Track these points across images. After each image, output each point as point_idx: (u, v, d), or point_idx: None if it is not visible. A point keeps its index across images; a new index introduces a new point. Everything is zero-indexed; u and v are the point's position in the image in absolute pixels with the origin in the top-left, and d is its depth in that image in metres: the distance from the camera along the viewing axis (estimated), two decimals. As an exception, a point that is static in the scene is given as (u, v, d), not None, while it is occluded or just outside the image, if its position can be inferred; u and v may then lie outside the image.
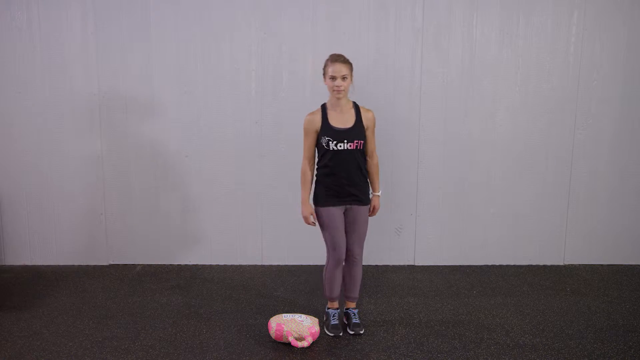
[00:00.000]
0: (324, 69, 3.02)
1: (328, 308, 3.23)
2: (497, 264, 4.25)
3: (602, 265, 4.25)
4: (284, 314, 3.07)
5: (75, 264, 4.24)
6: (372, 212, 3.20)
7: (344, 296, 3.25)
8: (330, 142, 2.98)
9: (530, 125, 4.08)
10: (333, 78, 2.94)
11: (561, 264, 4.26)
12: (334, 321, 3.15)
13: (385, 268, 4.19)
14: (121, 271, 4.11)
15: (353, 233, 3.10)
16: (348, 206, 3.08)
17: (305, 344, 2.94)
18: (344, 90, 2.96)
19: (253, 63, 4.00)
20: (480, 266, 4.22)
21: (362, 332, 3.12)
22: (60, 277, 4.00)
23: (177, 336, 3.10)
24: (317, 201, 3.09)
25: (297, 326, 2.95)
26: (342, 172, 3.00)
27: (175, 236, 4.21)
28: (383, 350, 2.94)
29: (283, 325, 2.97)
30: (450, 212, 4.18)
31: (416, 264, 4.24)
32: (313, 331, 2.96)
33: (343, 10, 3.94)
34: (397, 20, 3.96)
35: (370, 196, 3.17)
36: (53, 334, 3.11)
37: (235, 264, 4.24)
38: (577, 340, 3.05)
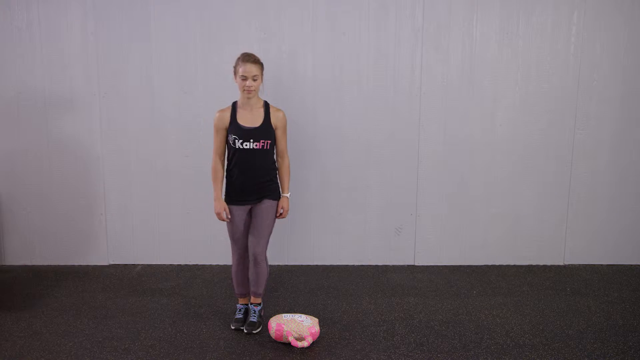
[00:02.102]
0: (235, 67, 3.03)
1: (238, 303, 3.34)
2: (497, 264, 4.25)
3: (602, 265, 4.25)
4: (284, 314, 3.07)
5: (75, 264, 4.24)
6: (282, 214, 3.19)
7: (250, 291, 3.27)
8: (237, 141, 3.01)
9: (530, 125, 4.08)
10: (244, 78, 2.97)
11: (561, 264, 4.26)
12: (238, 315, 3.24)
13: (385, 268, 4.19)
14: (121, 271, 4.11)
15: (253, 229, 3.10)
16: (254, 205, 3.11)
17: (305, 344, 2.94)
18: (254, 90, 2.99)
19: (253, 63, 4.00)
20: (480, 266, 4.22)
21: (255, 331, 3.13)
22: (60, 277, 4.00)
23: (177, 336, 3.10)
24: (225, 198, 3.13)
25: (297, 326, 2.96)
26: (247, 171, 3.04)
27: (175, 236, 4.21)
28: (383, 350, 2.94)
29: (283, 325, 2.97)
30: (450, 212, 4.18)
31: (416, 264, 4.24)
32: (313, 331, 2.96)
33: (343, 10, 3.94)
34: (397, 20, 3.96)
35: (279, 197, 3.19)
36: (53, 334, 3.11)
37: (235, 264, 4.24)
38: (577, 340, 3.05)
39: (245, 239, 3.14)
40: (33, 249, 4.22)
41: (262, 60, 3.07)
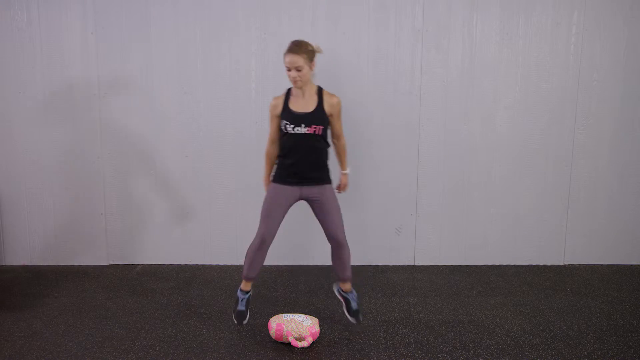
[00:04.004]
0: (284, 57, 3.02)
1: (240, 289, 3.20)
2: (497, 264, 4.25)
3: (602, 265, 4.25)
4: (284, 314, 3.07)
5: (75, 264, 4.24)
6: (341, 188, 3.28)
7: (338, 278, 3.23)
8: (288, 125, 3.01)
9: (530, 125, 4.08)
10: (288, 69, 2.97)
11: (561, 264, 4.26)
12: (241, 307, 3.14)
13: (385, 268, 4.19)
14: (121, 271, 4.11)
15: (327, 216, 3.05)
16: (304, 189, 3.05)
17: (305, 344, 2.94)
18: (300, 80, 2.97)
19: (253, 63, 4.00)
20: (480, 266, 4.22)
21: (357, 321, 3.13)
22: (60, 277, 4.00)
23: (177, 336, 3.10)
24: (273, 177, 3.14)
25: (297, 326, 2.95)
26: (298, 155, 3.03)
27: (175, 236, 4.21)
28: (383, 350, 2.94)
29: (283, 325, 2.97)
30: (450, 212, 4.18)
31: (416, 264, 4.25)
32: (313, 331, 2.96)
33: (343, 10, 3.94)
34: (397, 20, 3.96)
35: (340, 176, 3.26)
36: (53, 334, 3.11)
37: (235, 264, 4.24)
38: (577, 340, 3.05)
39: (276, 222, 3.06)
40: (33, 249, 4.22)
41: (311, 47, 2.98)
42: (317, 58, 3.05)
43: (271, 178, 3.16)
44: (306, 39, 3.94)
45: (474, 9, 3.95)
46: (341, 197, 4.13)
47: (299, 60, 2.92)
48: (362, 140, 4.06)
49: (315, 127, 3.01)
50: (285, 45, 3.94)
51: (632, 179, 4.17)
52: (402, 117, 4.05)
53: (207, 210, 4.17)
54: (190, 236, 4.21)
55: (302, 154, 3.03)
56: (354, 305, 3.18)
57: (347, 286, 3.21)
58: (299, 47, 2.94)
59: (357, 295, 3.27)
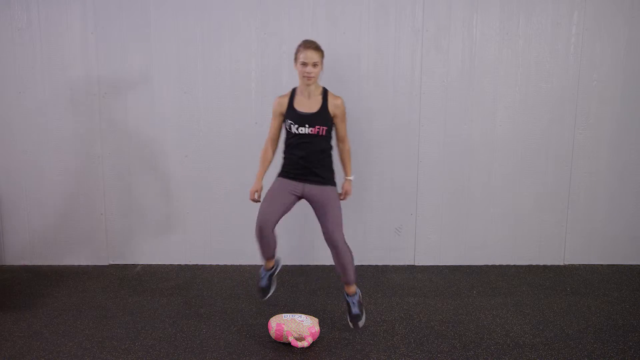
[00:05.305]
0: (296, 54, 3.04)
1: (262, 268, 3.31)
2: (497, 264, 4.25)
3: (602, 265, 4.25)
4: (284, 314, 3.07)
5: (75, 264, 4.24)
6: (344, 196, 3.23)
7: (341, 281, 3.23)
8: (292, 125, 3.04)
9: (530, 125, 4.08)
10: (304, 64, 2.98)
11: (561, 264, 4.26)
12: (262, 282, 3.23)
13: (385, 268, 4.19)
14: (121, 271, 4.11)
15: (325, 216, 3.04)
16: (307, 187, 3.06)
17: (305, 344, 2.94)
18: (314, 76, 3.01)
19: (253, 63, 4.00)
20: (480, 266, 4.22)
21: (361, 323, 3.11)
22: (60, 277, 4.00)
23: (177, 336, 3.10)
24: (279, 173, 3.17)
25: (297, 326, 2.95)
26: (301, 155, 3.05)
27: (175, 236, 4.21)
28: (383, 350, 2.94)
29: (283, 325, 2.97)
30: (450, 212, 4.18)
31: (416, 264, 4.24)
32: (313, 331, 2.96)
33: (343, 10, 3.94)
34: (397, 20, 3.96)
35: (343, 181, 3.24)
36: (53, 334, 3.11)
37: (235, 264, 4.24)
38: (577, 340, 3.05)
39: (275, 210, 3.04)
40: (33, 249, 4.22)
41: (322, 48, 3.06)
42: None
43: (277, 174, 3.18)
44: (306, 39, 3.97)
45: (474, 9, 3.95)
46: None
47: (316, 56, 2.98)
48: (362, 140, 4.05)
49: (319, 128, 3.02)
50: (285, 45, 3.97)
51: (632, 179, 4.17)
52: (402, 117, 4.05)
53: (207, 210, 4.17)
54: (190, 236, 4.21)
55: (306, 154, 3.04)
56: (353, 310, 3.14)
57: (349, 289, 3.18)
58: (316, 44, 3.02)
59: (360, 300, 3.18)
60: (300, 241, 4.19)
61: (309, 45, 3.00)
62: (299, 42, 3.94)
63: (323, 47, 4.00)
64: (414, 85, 4.02)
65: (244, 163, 4.10)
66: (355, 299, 3.16)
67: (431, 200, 4.16)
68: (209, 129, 4.07)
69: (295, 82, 4.00)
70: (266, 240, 3.11)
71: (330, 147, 3.13)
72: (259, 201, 3.18)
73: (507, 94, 4.04)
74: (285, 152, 3.14)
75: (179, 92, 4.04)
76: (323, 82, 4.00)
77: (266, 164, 3.22)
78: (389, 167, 4.10)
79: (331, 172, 3.14)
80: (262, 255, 3.25)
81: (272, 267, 3.33)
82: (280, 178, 3.14)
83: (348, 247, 3.08)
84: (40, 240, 4.21)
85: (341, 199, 3.20)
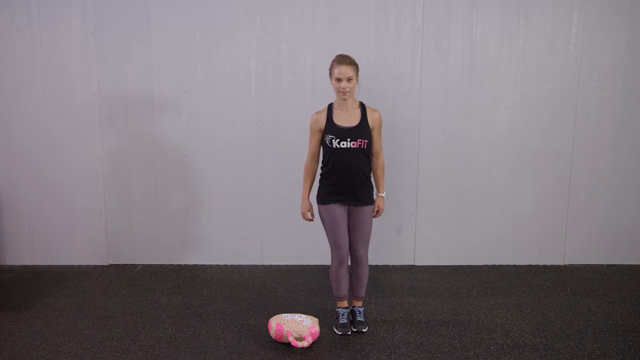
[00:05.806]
0: (330, 69, 3.03)
1: (338, 307, 3.23)
2: (497, 264, 4.25)
3: (602, 265, 4.25)
4: (284, 314, 3.07)
5: (75, 264, 4.24)
6: (377, 213, 3.19)
7: (351, 295, 3.27)
8: (334, 140, 3.01)
9: (530, 125, 4.08)
10: (338, 80, 2.96)
11: (561, 264, 4.26)
12: (343, 320, 3.16)
13: (385, 268, 4.19)
14: (121, 271, 4.11)
15: (356, 233, 3.11)
16: (351, 206, 3.09)
17: (305, 344, 2.94)
18: (349, 91, 2.98)
19: (253, 63, 4.00)
20: (480, 266, 4.22)
21: (364, 330, 3.13)
22: (60, 277, 4.00)
23: (177, 336, 3.10)
24: (319, 198, 3.12)
25: (297, 326, 2.95)
26: (344, 170, 3.03)
27: (175, 236, 4.21)
28: (383, 350, 2.94)
29: (283, 325, 2.97)
30: (450, 212, 4.18)
31: (416, 264, 4.24)
32: (313, 331, 2.96)
33: (343, 10, 3.94)
34: (397, 20, 3.96)
35: (375, 197, 3.18)
36: (53, 334, 3.11)
37: (235, 264, 4.24)
38: (577, 340, 3.05)
39: (344, 236, 3.08)
40: (33, 249, 4.22)
41: (356, 62, 3.03)
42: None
43: (317, 199, 3.14)
44: (306, 39, 3.97)
45: (474, 9, 3.95)
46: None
47: (350, 70, 2.95)
48: (362, 140, 4.05)
49: (360, 141, 3.01)
50: (285, 44, 3.98)
51: (632, 179, 4.17)
52: (402, 117, 4.05)
53: (207, 210, 4.17)
54: (190, 236, 4.21)
55: (347, 169, 3.02)
56: (359, 317, 3.20)
57: (358, 302, 3.25)
58: (350, 59, 2.99)
59: (364, 312, 3.27)
60: (301, 241, 4.19)
61: (342, 60, 2.97)
62: (298, 41, 3.97)
63: (323, 47, 4.01)
64: (414, 85, 4.02)
65: (244, 163, 4.10)
66: (362, 309, 3.24)
67: (431, 200, 4.16)
68: (209, 129, 4.07)
69: (295, 81, 4.02)
70: (343, 272, 3.13)
71: (370, 161, 3.12)
72: (312, 220, 3.19)
73: (507, 94, 4.04)
74: (325, 171, 3.10)
75: (179, 92, 4.03)
76: (323, 82, 4.01)
77: (310, 182, 3.17)
78: (388, 167, 4.09)
79: (371, 189, 3.13)
80: (338, 294, 3.18)
81: (347, 307, 3.24)
82: (325, 206, 3.08)
83: (368, 263, 3.17)
84: (40, 240, 4.21)
85: (374, 216, 3.18)
